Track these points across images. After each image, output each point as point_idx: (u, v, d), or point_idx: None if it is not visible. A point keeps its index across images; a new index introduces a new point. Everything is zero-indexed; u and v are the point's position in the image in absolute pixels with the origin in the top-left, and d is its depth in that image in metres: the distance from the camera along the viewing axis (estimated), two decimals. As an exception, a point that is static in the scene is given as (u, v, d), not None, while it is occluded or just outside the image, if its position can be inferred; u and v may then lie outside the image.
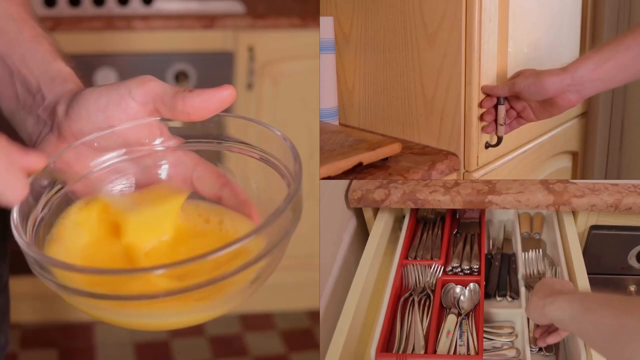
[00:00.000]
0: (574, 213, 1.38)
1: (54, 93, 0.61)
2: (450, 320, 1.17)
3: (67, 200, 0.59)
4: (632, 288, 1.44)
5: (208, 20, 2.19)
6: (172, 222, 0.57)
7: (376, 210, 1.44)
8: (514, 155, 1.36)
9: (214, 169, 0.61)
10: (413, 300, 1.23)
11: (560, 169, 1.57)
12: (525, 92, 1.13)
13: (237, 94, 0.58)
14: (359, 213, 1.46)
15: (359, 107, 1.40)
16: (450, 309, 1.20)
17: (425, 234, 1.41)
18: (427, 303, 1.22)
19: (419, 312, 1.19)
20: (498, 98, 1.18)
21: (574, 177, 1.63)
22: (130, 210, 0.56)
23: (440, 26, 1.19)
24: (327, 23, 1.31)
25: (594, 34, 1.57)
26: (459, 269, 1.28)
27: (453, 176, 1.24)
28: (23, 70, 0.63)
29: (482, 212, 1.46)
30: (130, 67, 2.18)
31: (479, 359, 1.07)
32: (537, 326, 1.09)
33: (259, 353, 2.33)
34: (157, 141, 0.60)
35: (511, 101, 1.18)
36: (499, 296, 1.27)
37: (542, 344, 1.09)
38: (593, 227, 1.37)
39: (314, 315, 2.46)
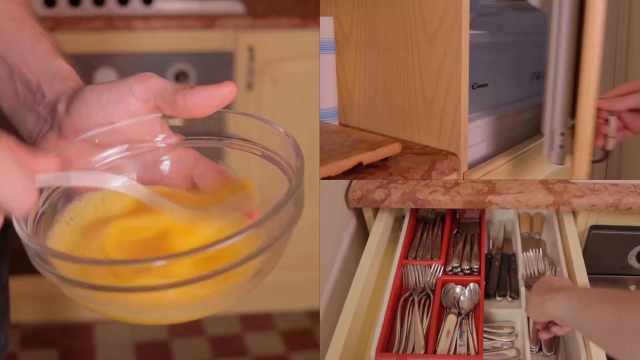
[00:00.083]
0: (574, 213, 1.38)
1: (54, 91, 0.61)
2: (450, 320, 1.17)
3: (68, 196, 0.59)
4: (632, 288, 1.44)
5: (208, 20, 2.19)
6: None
7: (376, 210, 1.44)
8: (514, 155, 1.36)
9: (214, 165, 0.61)
10: (413, 300, 1.23)
11: (560, 169, 1.57)
12: None
13: (237, 92, 0.58)
14: (359, 213, 1.46)
15: (359, 107, 1.40)
16: (450, 308, 1.20)
17: (425, 234, 1.41)
18: (427, 303, 1.22)
19: (419, 312, 1.19)
20: (610, 110, 1.12)
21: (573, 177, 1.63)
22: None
23: (440, 26, 1.19)
24: (327, 23, 1.31)
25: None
26: (459, 269, 1.28)
27: (453, 176, 1.24)
28: (23, 68, 0.63)
29: (482, 212, 1.46)
30: (130, 67, 2.18)
31: (479, 359, 1.07)
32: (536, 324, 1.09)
33: (259, 353, 2.33)
34: (158, 138, 0.61)
35: (621, 112, 1.13)
36: (499, 296, 1.27)
37: (546, 336, 1.07)
38: (593, 227, 1.37)
39: (314, 315, 2.46)
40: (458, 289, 1.24)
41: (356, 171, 1.11)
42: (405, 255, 1.32)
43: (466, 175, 1.27)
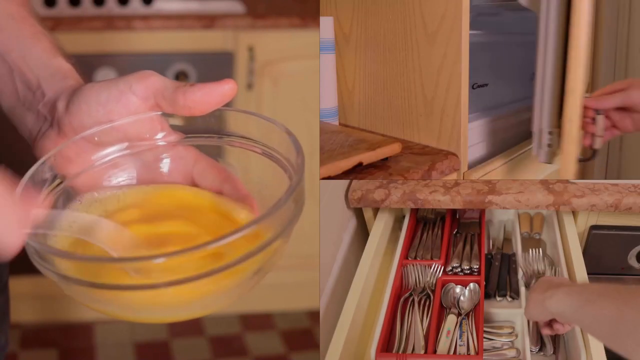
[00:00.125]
0: (574, 213, 1.38)
1: (54, 89, 0.61)
2: (450, 320, 1.17)
3: (67, 195, 0.59)
4: (632, 288, 1.44)
5: (208, 20, 2.19)
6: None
7: (376, 210, 1.44)
8: (515, 155, 1.36)
9: (214, 163, 0.61)
10: (413, 300, 1.23)
11: (560, 169, 1.57)
12: None
13: (237, 90, 0.58)
14: (359, 213, 1.46)
15: (359, 107, 1.40)
16: (450, 308, 1.20)
17: (425, 234, 1.41)
18: (427, 303, 1.22)
19: (419, 312, 1.19)
20: (597, 109, 1.12)
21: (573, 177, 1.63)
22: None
23: (440, 26, 1.19)
24: (327, 23, 1.31)
25: (594, 37, 1.57)
26: (459, 269, 1.28)
27: (453, 176, 1.24)
28: (23, 67, 0.63)
29: (482, 212, 1.46)
30: (130, 67, 2.18)
31: (479, 359, 1.07)
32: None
33: (259, 353, 2.33)
34: (158, 136, 0.60)
35: (608, 111, 1.13)
36: (499, 296, 1.27)
37: (548, 333, 1.07)
38: (593, 227, 1.37)
39: (314, 315, 2.46)
40: (458, 289, 1.24)
41: (356, 171, 1.11)
42: (405, 255, 1.32)
43: (466, 175, 1.27)
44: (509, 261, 1.35)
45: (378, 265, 1.34)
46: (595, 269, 1.35)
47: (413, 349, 1.11)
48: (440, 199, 1.33)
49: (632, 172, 1.62)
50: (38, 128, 0.61)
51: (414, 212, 1.46)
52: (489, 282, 1.28)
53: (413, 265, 1.29)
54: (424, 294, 1.24)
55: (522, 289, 1.25)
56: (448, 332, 1.14)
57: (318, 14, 1.39)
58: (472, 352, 1.10)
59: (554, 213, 1.43)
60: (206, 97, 0.57)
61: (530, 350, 1.11)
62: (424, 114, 1.27)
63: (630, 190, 1.30)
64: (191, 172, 0.61)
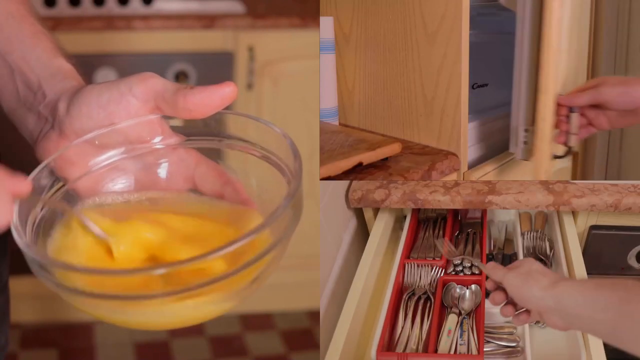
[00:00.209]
0: (574, 213, 1.38)
1: (55, 90, 0.61)
2: (451, 319, 1.17)
3: (68, 199, 0.59)
4: (632, 288, 1.44)
5: (208, 20, 2.19)
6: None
7: (376, 211, 1.44)
8: (514, 155, 1.36)
9: (215, 166, 0.61)
10: (414, 299, 1.23)
11: (560, 169, 1.57)
12: (612, 101, 1.08)
13: (237, 93, 0.58)
14: (359, 213, 1.46)
15: (359, 107, 1.40)
16: (451, 308, 1.20)
17: (426, 234, 1.41)
18: (428, 303, 1.22)
19: (420, 311, 1.19)
20: (571, 106, 1.13)
21: (574, 177, 1.63)
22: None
23: (440, 26, 1.19)
24: (327, 23, 1.31)
25: (594, 37, 1.57)
26: (460, 269, 1.28)
27: (453, 176, 1.24)
28: (23, 67, 0.63)
29: (483, 212, 1.46)
30: (130, 67, 2.18)
31: (480, 359, 1.07)
32: (508, 305, 0.98)
33: (259, 353, 2.33)
34: (158, 139, 0.60)
35: (583, 109, 1.13)
36: (499, 296, 1.27)
37: (509, 315, 0.98)
38: (593, 227, 1.37)
39: (314, 315, 2.46)
40: (459, 289, 1.24)
41: (356, 171, 1.11)
42: (406, 255, 1.32)
43: (466, 176, 1.27)
44: (510, 261, 1.35)
45: (378, 265, 1.34)
46: (595, 269, 1.35)
47: (414, 349, 1.11)
48: (440, 199, 1.33)
49: (632, 172, 1.62)
50: (39, 129, 0.61)
51: (416, 211, 1.46)
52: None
53: (414, 265, 1.29)
54: (424, 293, 1.24)
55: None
56: (449, 331, 1.14)
57: (318, 14, 1.39)
58: (473, 351, 1.10)
59: (554, 213, 1.43)
60: (206, 100, 0.57)
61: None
62: (424, 114, 1.27)
63: (630, 191, 1.30)
64: (192, 175, 0.61)
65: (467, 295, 1.23)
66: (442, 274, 1.27)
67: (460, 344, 1.12)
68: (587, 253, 1.37)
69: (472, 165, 1.30)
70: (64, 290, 0.50)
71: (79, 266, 0.53)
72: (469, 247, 1.35)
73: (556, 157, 1.20)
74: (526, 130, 1.20)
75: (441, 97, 1.22)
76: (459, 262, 1.28)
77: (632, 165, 1.63)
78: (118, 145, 0.60)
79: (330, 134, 1.21)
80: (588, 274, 1.21)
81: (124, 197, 0.61)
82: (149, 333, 2.35)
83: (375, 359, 1.07)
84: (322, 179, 1.06)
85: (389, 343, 1.13)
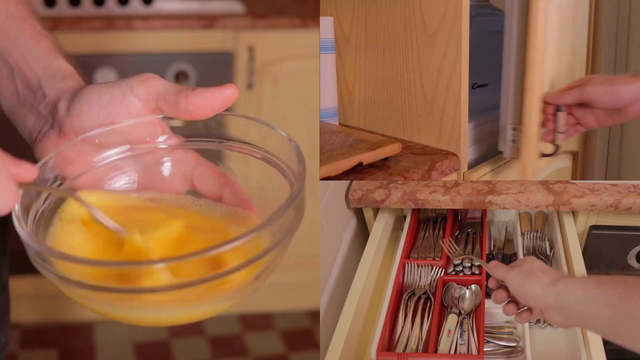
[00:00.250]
0: (574, 213, 1.38)
1: (55, 90, 0.61)
2: (451, 319, 1.17)
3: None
4: (632, 288, 1.44)
5: (208, 20, 2.19)
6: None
7: (376, 210, 1.44)
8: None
9: (214, 168, 0.61)
10: (414, 299, 1.23)
11: (560, 169, 1.57)
12: (597, 99, 1.08)
13: (238, 94, 0.58)
14: (359, 213, 1.46)
15: (359, 107, 1.40)
16: (451, 308, 1.20)
17: (426, 234, 1.41)
18: (428, 303, 1.22)
19: (420, 311, 1.19)
20: (558, 105, 1.13)
21: (574, 177, 1.63)
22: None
23: (440, 26, 1.19)
24: (327, 23, 1.32)
25: (594, 37, 1.57)
26: (460, 269, 1.28)
27: (453, 176, 1.24)
28: (24, 67, 0.63)
29: (483, 212, 1.46)
30: (130, 67, 2.18)
31: (480, 359, 1.07)
32: (511, 303, 0.99)
33: (259, 353, 2.33)
34: (159, 139, 0.61)
35: (571, 107, 1.13)
36: (499, 296, 1.27)
37: (512, 313, 0.98)
38: (593, 227, 1.37)
39: (314, 315, 2.46)
40: (459, 289, 1.24)
41: (356, 171, 1.11)
42: (406, 255, 1.32)
43: (466, 176, 1.27)
44: (510, 261, 1.35)
45: (378, 265, 1.34)
46: (595, 269, 1.35)
47: (414, 349, 1.11)
48: (440, 199, 1.33)
49: (632, 172, 1.62)
50: (38, 129, 0.61)
51: (416, 211, 1.46)
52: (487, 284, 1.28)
53: (414, 265, 1.29)
54: (424, 293, 1.24)
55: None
56: (449, 331, 1.14)
57: (318, 14, 1.39)
58: (473, 351, 1.10)
59: (554, 213, 1.43)
60: (208, 102, 0.57)
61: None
62: (424, 114, 1.27)
63: (630, 191, 1.30)
64: (191, 175, 0.61)
65: (467, 295, 1.23)
66: (442, 274, 1.27)
67: (460, 344, 1.12)
68: (587, 253, 1.37)
69: (472, 165, 1.30)
70: (66, 282, 0.50)
71: (80, 257, 0.53)
72: (469, 247, 1.35)
73: (544, 155, 1.21)
74: (514, 129, 1.22)
75: (441, 97, 1.22)
76: (459, 262, 1.28)
77: (632, 165, 1.63)
78: (118, 144, 0.60)
79: (330, 134, 1.21)
80: (588, 274, 1.21)
81: (124, 195, 0.61)
82: (149, 333, 2.35)
83: (375, 359, 1.07)
84: (322, 179, 1.06)
85: (389, 343, 1.13)
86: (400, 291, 1.25)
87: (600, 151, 1.64)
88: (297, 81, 2.27)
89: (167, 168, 0.61)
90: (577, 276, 0.91)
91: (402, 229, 1.42)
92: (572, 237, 1.32)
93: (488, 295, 1.25)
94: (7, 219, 0.53)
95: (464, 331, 1.14)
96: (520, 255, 1.33)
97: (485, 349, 1.13)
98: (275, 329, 2.43)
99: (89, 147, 0.59)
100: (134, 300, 0.50)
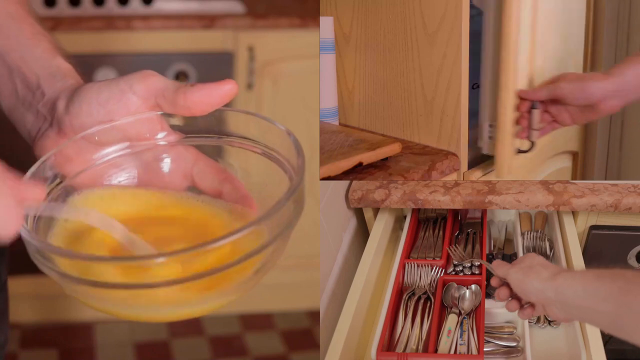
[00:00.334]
0: (574, 213, 1.38)
1: (54, 89, 0.61)
2: (451, 319, 1.17)
3: (67, 194, 0.59)
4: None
5: (208, 20, 2.19)
6: None
7: (376, 210, 1.44)
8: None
9: (214, 164, 0.61)
10: (414, 299, 1.23)
11: (560, 169, 1.57)
12: (569, 96, 1.10)
13: (237, 91, 0.58)
14: (359, 213, 1.46)
15: (359, 107, 1.40)
16: (451, 308, 1.20)
17: (426, 234, 1.41)
18: (428, 303, 1.22)
19: (420, 311, 1.19)
20: (532, 102, 1.15)
21: (574, 177, 1.63)
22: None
23: (440, 26, 1.19)
24: (327, 23, 1.32)
25: (594, 37, 1.57)
26: (460, 269, 1.28)
27: (453, 176, 1.24)
28: (22, 67, 0.63)
29: (483, 212, 1.46)
30: (130, 67, 2.18)
31: (480, 359, 1.07)
32: (513, 300, 0.98)
33: (259, 353, 2.33)
34: (158, 136, 0.61)
35: (546, 105, 1.15)
36: (499, 296, 1.27)
37: (514, 309, 0.98)
38: (593, 227, 1.37)
39: (314, 315, 2.46)
40: (459, 289, 1.24)
41: (356, 171, 1.11)
42: (406, 255, 1.32)
43: (466, 176, 1.27)
44: (510, 261, 1.35)
45: (378, 265, 1.34)
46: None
47: (414, 349, 1.11)
48: (440, 199, 1.33)
49: (632, 172, 1.62)
50: (38, 128, 0.61)
51: (416, 211, 1.46)
52: (490, 282, 1.28)
53: (414, 265, 1.29)
54: (424, 293, 1.24)
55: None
56: (449, 331, 1.14)
57: (318, 14, 1.39)
58: (473, 351, 1.10)
59: (554, 213, 1.43)
60: (206, 98, 0.57)
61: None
62: (424, 114, 1.27)
63: (630, 191, 1.30)
64: (191, 172, 0.61)
65: (467, 295, 1.23)
66: (442, 274, 1.27)
67: (460, 344, 1.12)
68: (587, 253, 1.37)
69: (472, 165, 1.30)
70: (68, 279, 0.50)
71: (80, 253, 0.53)
72: (469, 247, 1.35)
73: (520, 151, 1.22)
74: (491, 126, 1.23)
75: (441, 97, 1.22)
76: (461, 262, 1.28)
77: (632, 165, 1.63)
78: (117, 142, 0.60)
79: (330, 134, 1.21)
80: (588, 273, 1.21)
81: (122, 190, 0.61)
82: (149, 333, 2.35)
83: (375, 359, 1.07)
84: (322, 179, 1.06)
85: (389, 343, 1.13)
86: (400, 291, 1.25)
87: (600, 151, 1.64)
88: (297, 81, 2.27)
89: (166, 164, 0.61)
90: (576, 270, 0.91)
91: (402, 229, 1.42)
92: (572, 237, 1.32)
93: (488, 295, 1.26)
94: None
95: (464, 331, 1.14)
96: (521, 255, 1.33)
97: (485, 349, 1.13)
98: (275, 329, 2.43)
99: (89, 145, 0.59)
100: (134, 296, 0.50)
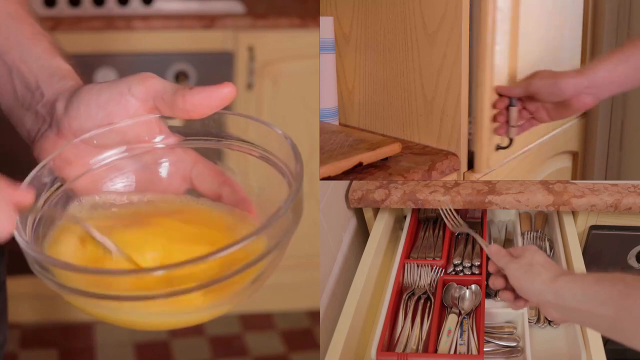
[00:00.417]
0: (574, 213, 1.38)
1: (53, 90, 0.61)
2: (451, 319, 1.17)
3: (67, 198, 0.59)
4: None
5: (208, 20, 2.19)
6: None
7: (376, 210, 1.44)
8: (514, 155, 1.36)
9: (213, 167, 0.61)
10: (414, 299, 1.23)
11: (560, 169, 1.57)
12: (542, 93, 1.12)
13: (237, 93, 0.58)
14: (359, 213, 1.46)
15: (359, 107, 1.40)
16: (451, 308, 1.20)
17: (426, 234, 1.41)
18: (428, 303, 1.22)
19: (420, 311, 1.19)
20: (510, 99, 1.16)
21: (574, 177, 1.63)
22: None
23: (440, 26, 1.19)
24: (327, 23, 1.31)
25: (594, 37, 1.57)
26: (461, 269, 1.28)
27: (453, 176, 1.24)
28: (22, 67, 0.63)
29: (483, 212, 1.46)
30: (130, 67, 2.18)
31: (480, 359, 1.07)
32: (507, 290, 0.97)
33: (259, 353, 2.33)
34: (157, 139, 0.60)
35: (524, 102, 1.16)
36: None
37: (508, 299, 0.97)
38: (593, 227, 1.37)
39: (314, 315, 2.46)
40: (459, 289, 1.24)
41: (356, 171, 1.11)
42: (406, 255, 1.32)
43: (466, 176, 1.27)
44: (509, 261, 1.35)
45: (378, 265, 1.34)
46: (595, 269, 1.34)
47: (414, 349, 1.11)
48: (440, 199, 1.33)
49: (632, 172, 1.62)
50: (37, 128, 0.61)
51: (416, 211, 1.46)
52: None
53: (414, 265, 1.29)
54: (424, 293, 1.24)
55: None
56: (449, 331, 1.14)
57: (318, 14, 1.39)
58: (473, 351, 1.10)
59: (554, 213, 1.43)
60: (205, 101, 0.57)
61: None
62: (424, 114, 1.27)
63: (630, 191, 1.30)
64: (190, 175, 0.61)
65: (467, 295, 1.23)
66: (442, 274, 1.27)
67: (460, 344, 1.12)
68: (587, 253, 1.37)
69: (472, 165, 1.30)
70: (65, 290, 0.50)
71: (78, 265, 0.53)
72: (469, 247, 1.35)
73: (500, 148, 1.23)
74: (470, 122, 1.24)
75: (441, 97, 1.22)
76: (459, 261, 1.28)
77: (632, 165, 1.63)
78: (116, 145, 0.59)
79: (330, 134, 1.21)
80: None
81: (123, 197, 0.60)
82: (149, 333, 2.35)
83: (375, 359, 1.07)
84: (322, 179, 1.06)
85: (389, 343, 1.13)
86: (400, 291, 1.25)
87: (600, 151, 1.65)
88: (297, 81, 2.27)
89: (165, 167, 0.61)
90: (575, 273, 0.91)
91: (402, 229, 1.42)
92: (572, 237, 1.32)
93: (488, 295, 1.26)
94: None
95: (464, 331, 1.14)
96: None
97: (485, 349, 1.13)
98: (275, 329, 2.43)
99: (88, 148, 0.59)
100: (131, 305, 0.50)
